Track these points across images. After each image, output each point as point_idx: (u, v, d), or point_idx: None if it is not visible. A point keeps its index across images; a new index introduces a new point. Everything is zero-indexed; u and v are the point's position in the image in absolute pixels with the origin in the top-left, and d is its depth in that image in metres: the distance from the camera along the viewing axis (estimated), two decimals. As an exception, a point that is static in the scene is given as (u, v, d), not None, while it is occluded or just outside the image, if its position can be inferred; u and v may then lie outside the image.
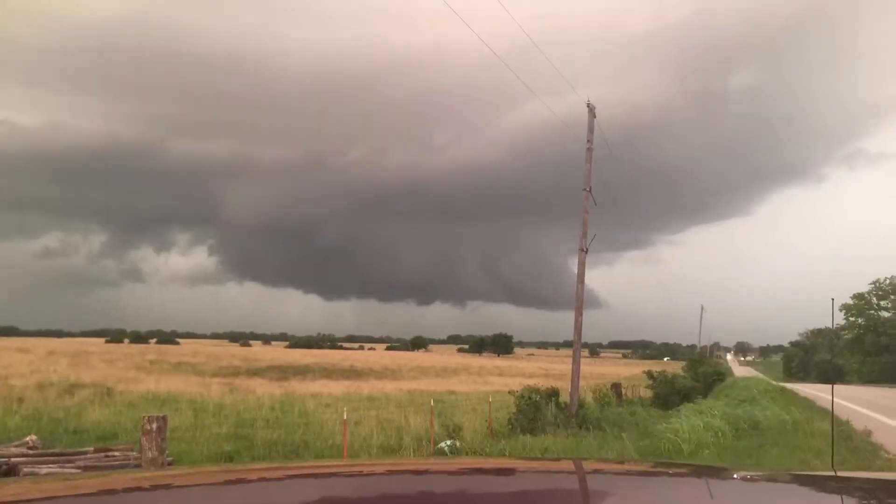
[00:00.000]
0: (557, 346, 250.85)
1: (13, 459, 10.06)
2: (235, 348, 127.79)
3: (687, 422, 15.36)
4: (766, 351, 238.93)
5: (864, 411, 25.40)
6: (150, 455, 6.78)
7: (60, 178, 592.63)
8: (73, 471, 9.28)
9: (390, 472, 1.88)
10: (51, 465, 9.84)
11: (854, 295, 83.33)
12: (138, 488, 1.60)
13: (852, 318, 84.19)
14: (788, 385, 49.23)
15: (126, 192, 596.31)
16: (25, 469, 9.55)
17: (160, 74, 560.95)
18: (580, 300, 19.75)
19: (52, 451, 11.43)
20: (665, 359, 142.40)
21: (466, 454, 13.40)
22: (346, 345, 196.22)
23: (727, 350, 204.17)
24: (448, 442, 14.44)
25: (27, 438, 11.91)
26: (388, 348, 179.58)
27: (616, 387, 27.39)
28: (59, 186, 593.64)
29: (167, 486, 1.62)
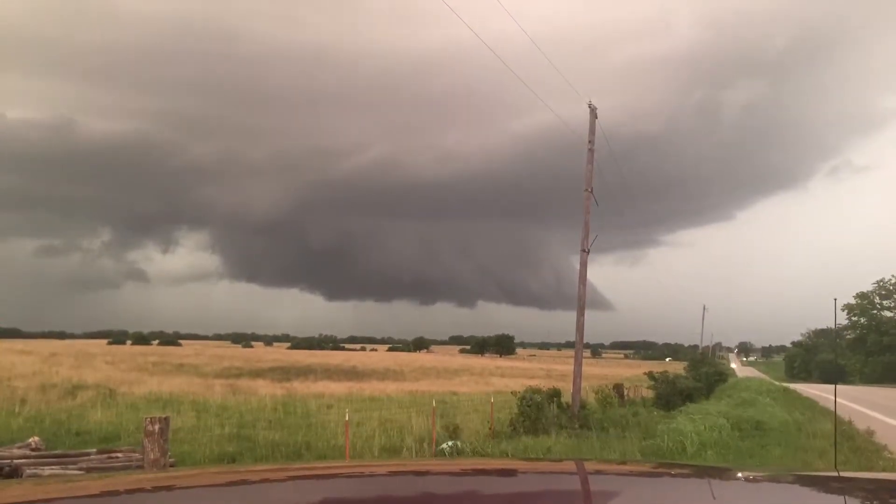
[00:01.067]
0: (559, 346, 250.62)
1: (16, 461, 10.07)
2: (237, 349, 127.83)
3: (689, 422, 15.34)
4: (768, 351, 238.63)
5: (867, 411, 25.38)
6: (152, 456, 6.77)
7: (71, 177, 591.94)
8: (75, 472, 9.30)
9: (392, 473, 1.88)
10: (54, 467, 9.85)
11: (857, 294, 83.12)
12: (141, 490, 1.60)
13: (855, 318, 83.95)
14: (791, 385, 49.15)
15: (132, 192, 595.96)
16: (28, 470, 9.56)
17: (195, 71, 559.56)
18: (582, 300, 19.74)
19: (54, 452, 11.45)
20: (667, 359, 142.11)
21: (468, 455, 13.39)
22: (347, 346, 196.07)
23: (729, 350, 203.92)
24: (450, 443, 14.43)
25: (30, 440, 11.94)
26: (389, 349, 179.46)
27: (618, 387, 27.39)
28: (68, 186, 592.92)
29: (170, 488, 1.62)
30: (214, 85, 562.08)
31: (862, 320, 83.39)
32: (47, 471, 9.52)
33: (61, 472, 9.50)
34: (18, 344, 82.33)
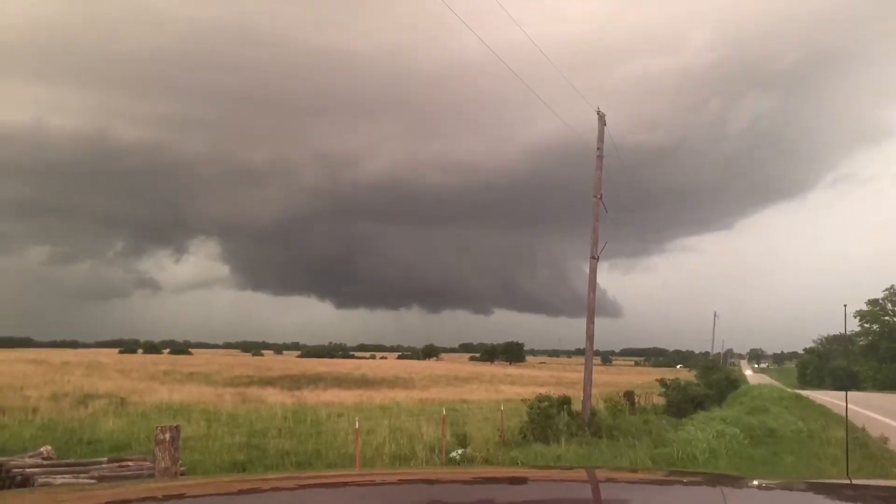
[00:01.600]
0: (569, 353, 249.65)
1: (28, 470, 10.12)
2: (247, 358, 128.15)
3: (700, 430, 15.26)
4: (780, 358, 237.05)
5: (881, 418, 25.16)
6: (163, 465, 6.79)
7: (91, 185, 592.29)
8: (87, 481, 9.32)
9: (402, 482, 1.88)
10: (65, 476, 9.88)
11: (869, 301, 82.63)
12: (152, 498, 1.61)
13: (867, 325, 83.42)
14: (803, 392, 48.80)
15: (147, 201, 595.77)
16: (40, 479, 9.60)
17: (228, 79, 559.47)
18: (591, 308, 19.69)
19: (66, 461, 11.49)
20: (678, 366, 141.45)
21: (478, 463, 13.36)
22: (357, 354, 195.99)
23: (741, 357, 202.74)
24: (460, 451, 14.40)
25: (42, 449, 11.98)
26: (399, 357, 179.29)
27: (629, 395, 27.26)
28: (86, 194, 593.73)
29: (180, 496, 1.63)
30: (221, 90, 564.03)
31: (874, 327, 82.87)
32: (59, 479, 9.55)
33: (73, 480, 9.53)
34: (30, 353, 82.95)
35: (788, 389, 49.73)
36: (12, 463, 10.54)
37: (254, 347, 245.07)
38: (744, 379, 68.95)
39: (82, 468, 10.53)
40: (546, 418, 17.26)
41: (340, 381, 48.05)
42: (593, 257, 19.48)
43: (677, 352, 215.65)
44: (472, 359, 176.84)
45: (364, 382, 48.62)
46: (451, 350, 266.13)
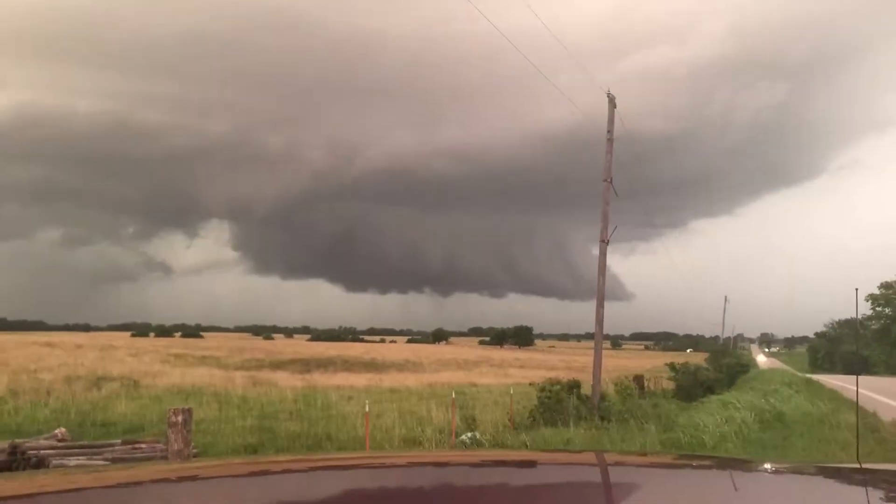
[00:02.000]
0: (579, 338, 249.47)
1: (43, 452, 10.24)
2: (258, 341, 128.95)
3: (710, 414, 15.25)
4: (791, 342, 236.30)
5: (892, 403, 25.05)
6: (175, 447, 6.86)
7: (97, 169, 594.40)
8: (100, 463, 9.43)
9: (412, 465, 1.89)
10: (79, 457, 10.01)
11: (881, 284, 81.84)
12: (164, 480, 1.62)
13: (879, 308, 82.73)
14: (814, 376, 48.59)
15: (161, 185, 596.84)
16: (55, 461, 9.72)
17: (260, 66, 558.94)
18: (601, 292, 19.64)
19: (80, 443, 11.63)
20: (688, 350, 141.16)
21: (488, 446, 13.40)
22: (367, 337, 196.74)
23: (751, 341, 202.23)
24: (469, 434, 14.45)
25: (56, 431, 12.13)
26: (409, 341, 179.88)
27: (638, 379, 27.23)
28: (92, 178, 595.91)
29: (193, 478, 1.64)
30: (237, 74, 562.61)
31: (887, 311, 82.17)
32: (73, 461, 9.67)
33: (87, 462, 9.65)
34: (43, 336, 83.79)
35: (799, 373, 49.52)
36: (27, 445, 10.67)
37: (264, 331, 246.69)
38: (755, 363, 68.80)
39: (96, 450, 10.66)
40: (556, 402, 17.29)
41: (350, 365, 48.31)
42: (603, 241, 19.40)
43: (687, 336, 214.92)
44: (481, 343, 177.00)
45: (374, 366, 48.83)
46: (461, 334, 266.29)
